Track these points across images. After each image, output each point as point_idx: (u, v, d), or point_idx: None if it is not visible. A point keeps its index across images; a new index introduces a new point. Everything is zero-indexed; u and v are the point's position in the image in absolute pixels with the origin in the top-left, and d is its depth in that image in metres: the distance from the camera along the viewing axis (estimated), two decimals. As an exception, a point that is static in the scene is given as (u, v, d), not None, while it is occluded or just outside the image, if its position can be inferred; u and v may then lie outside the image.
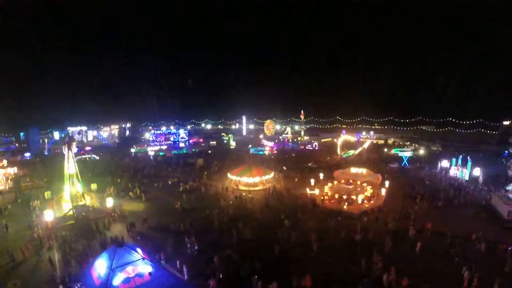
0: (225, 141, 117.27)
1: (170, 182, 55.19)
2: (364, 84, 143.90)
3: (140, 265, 21.19)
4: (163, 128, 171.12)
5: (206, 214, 38.05)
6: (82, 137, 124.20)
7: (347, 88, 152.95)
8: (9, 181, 57.49)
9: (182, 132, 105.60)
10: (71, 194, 39.90)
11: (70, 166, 40.47)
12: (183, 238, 30.28)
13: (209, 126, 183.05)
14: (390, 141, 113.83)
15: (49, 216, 34.48)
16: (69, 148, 40.15)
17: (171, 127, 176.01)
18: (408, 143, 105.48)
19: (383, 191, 41.61)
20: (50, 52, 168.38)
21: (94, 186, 48.66)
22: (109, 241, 30.55)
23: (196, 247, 28.83)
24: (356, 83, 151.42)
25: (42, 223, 34.99)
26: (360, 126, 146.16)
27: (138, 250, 22.78)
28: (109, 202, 38.87)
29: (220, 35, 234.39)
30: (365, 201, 40.23)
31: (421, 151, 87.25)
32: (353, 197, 40.79)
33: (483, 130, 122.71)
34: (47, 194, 45.39)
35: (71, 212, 37.22)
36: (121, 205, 41.87)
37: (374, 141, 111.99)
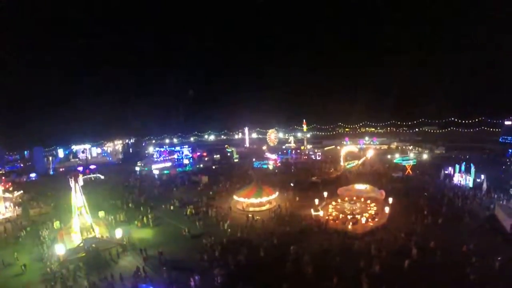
0: (228, 154, 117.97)
1: (172, 208, 54.81)
2: (365, 88, 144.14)
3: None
4: (166, 141, 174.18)
5: (204, 243, 38.13)
6: (86, 155, 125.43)
7: (348, 93, 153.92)
8: (16, 207, 58.60)
9: (186, 150, 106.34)
10: (80, 226, 40.68)
11: (78, 199, 41.29)
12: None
13: (212, 137, 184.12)
14: (394, 145, 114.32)
15: (60, 250, 35.25)
16: (76, 181, 41.05)
17: (174, 140, 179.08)
18: (411, 147, 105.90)
19: (387, 209, 41.98)
20: (51, 69, 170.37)
21: (101, 214, 49.40)
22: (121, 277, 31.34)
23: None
24: (356, 88, 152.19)
25: (54, 255, 35.64)
26: (363, 130, 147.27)
27: None
28: (118, 233, 39.50)
29: (221, 46, 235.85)
30: (369, 220, 40.67)
31: (424, 156, 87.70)
32: (358, 216, 41.31)
33: (486, 128, 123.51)
34: (56, 224, 46.10)
35: (81, 245, 37.96)
36: (130, 233, 42.59)
37: (377, 147, 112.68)
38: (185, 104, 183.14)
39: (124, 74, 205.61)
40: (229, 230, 41.79)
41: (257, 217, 46.63)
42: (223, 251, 34.97)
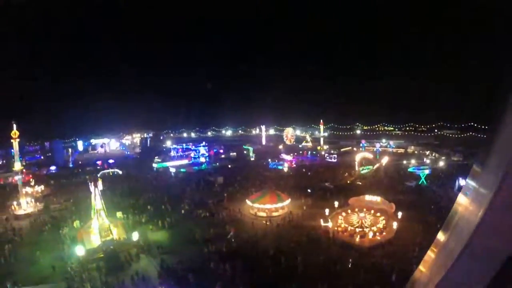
0: (245, 152, 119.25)
1: (185, 209, 56.43)
2: (384, 88, 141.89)
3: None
4: (184, 135, 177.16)
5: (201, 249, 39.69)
6: (104, 149, 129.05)
7: (366, 93, 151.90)
8: (37, 203, 61.13)
9: (203, 149, 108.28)
10: (99, 227, 43.01)
11: (97, 202, 43.63)
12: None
13: (229, 133, 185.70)
14: (410, 150, 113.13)
15: (80, 251, 37.59)
16: (95, 186, 43.66)
17: (192, 134, 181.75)
18: (428, 152, 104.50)
19: (395, 224, 42.52)
20: (72, 60, 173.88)
21: (119, 215, 51.76)
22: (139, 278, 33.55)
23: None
24: (376, 87, 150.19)
25: (74, 255, 37.94)
26: (381, 129, 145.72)
27: None
28: (135, 236, 41.60)
29: (241, 40, 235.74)
30: (377, 233, 41.40)
31: (441, 163, 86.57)
32: (366, 229, 42.13)
33: None
34: (76, 223, 48.62)
35: (100, 246, 40.34)
36: (146, 235, 44.78)
37: (394, 150, 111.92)
38: (203, 98, 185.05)
39: (143, 67, 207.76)
40: (232, 239, 42.70)
41: (267, 222, 48.26)
42: (222, 261, 36.48)
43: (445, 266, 5.55)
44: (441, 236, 6.91)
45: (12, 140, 56.80)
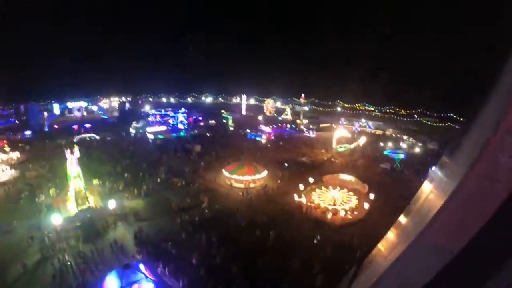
0: (224, 121, 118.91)
1: (161, 177, 56.49)
2: (369, 69, 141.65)
3: (144, 283, 24.58)
4: (163, 100, 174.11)
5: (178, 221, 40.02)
6: (81, 113, 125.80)
7: (351, 71, 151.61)
8: (13, 170, 59.22)
9: (181, 116, 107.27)
10: (76, 195, 42.79)
11: (73, 169, 43.13)
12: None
13: (209, 99, 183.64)
14: (389, 132, 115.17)
15: (57, 220, 37.36)
16: (72, 153, 43.04)
17: (171, 99, 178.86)
18: (405, 137, 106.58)
19: (366, 205, 44.21)
20: (48, 20, 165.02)
21: (96, 182, 51.41)
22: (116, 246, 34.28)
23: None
24: (361, 66, 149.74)
25: (51, 224, 37.43)
26: (361, 108, 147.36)
27: (142, 267, 26.10)
28: (112, 204, 41.72)
29: (224, 8, 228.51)
30: (349, 212, 43.11)
31: (417, 149, 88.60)
32: (338, 207, 43.78)
33: None
34: (52, 191, 47.88)
35: (76, 215, 40.47)
36: (122, 203, 44.86)
37: (372, 131, 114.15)
38: (185, 63, 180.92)
39: (123, 29, 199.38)
40: (206, 210, 43.59)
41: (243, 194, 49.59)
42: (195, 230, 37.46)
43: (400, 249, 5.82)
44: (402, 219, 7.25)
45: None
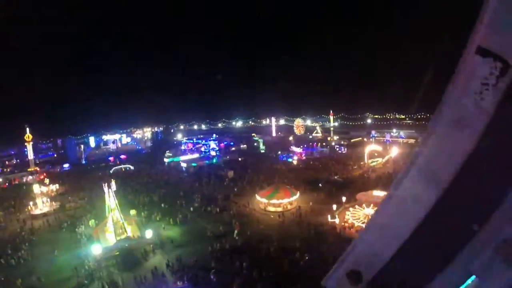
0: (255, 144, 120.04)
1: (196, 205, 57.57)
2: (395, 77, 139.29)
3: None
4: (195, 127, 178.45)
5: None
6: (116, 145, 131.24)
7: (378, 82, 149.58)
8: (53, 202, 62.59)
9: (213, 143, 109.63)
10: (114, 226, 44.61)
11: (111, 201, 45.26)
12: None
13: (239, 123, 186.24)
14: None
15: (97, 249, 39.28)
16: (109, 186, 45.37)
17: (203, 126, 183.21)
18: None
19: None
20: (79, 56, 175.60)
21: (133, 212, 53.41)
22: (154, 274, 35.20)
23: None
24: (386, 76, 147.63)
25: (91, 254, 39.41)
26: (391, 121, 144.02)
27: None
28: (148, 233, 43.14)
29: (251, 31, 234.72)
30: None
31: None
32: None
33: None
34: (92, 222, 50.36)
35: (115, 244, 42.11)
36: (159, 232, 46.39)
37: (405, 141, 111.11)
38: (214, 90, 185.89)
39: (153, 59, 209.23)
40: (236, 237, 43.13)
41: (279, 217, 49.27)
42: (226, 257, 37.49)
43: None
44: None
45: (26, 143, 58.51)
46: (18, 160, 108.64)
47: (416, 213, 4.75)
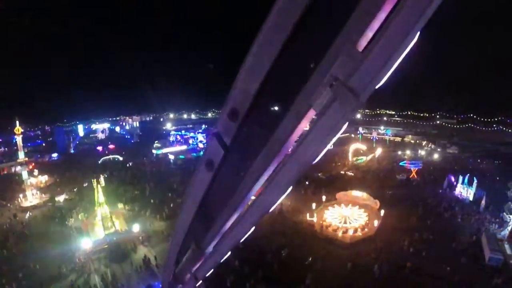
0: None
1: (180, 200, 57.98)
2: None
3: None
4: (184, 116, 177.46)
5: None
6: (105, 135, 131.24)
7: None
8: (42, 194, 63.03)
9: (200, 136, 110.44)
10: (102, 219, 46.39)
11: (100, 196, 46.87)
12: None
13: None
14: (408, 139, 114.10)
15: (87, 244, 41.21)
16: (98, 183, 47.13)
17: (192, 115, 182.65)
18: (424, 143, 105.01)
19: (376, 222, 45.41)
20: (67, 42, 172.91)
21: (120, 206, 54.94)
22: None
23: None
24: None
25: (82, 247, 41.19)
26: (379, 118, 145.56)
27: None
28: (135, 227, 45.12)
29: (243, 21, 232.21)
30: (359, 229, 44.35)
31: (435, 155, 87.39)
32: (348, 225, 45.10)
33: (504, 128, 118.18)
34: (81, 215, 51.68)
35: (104, 238, 44.01)
36: (145, 226, 47.79)
37: (391, 138, 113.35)
38: (204, 79, 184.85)
39: (142, 48, 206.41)
40: None
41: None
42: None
43: None
44: None
45: (15, 136, 59.05)
46: (6, 149, 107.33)
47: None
